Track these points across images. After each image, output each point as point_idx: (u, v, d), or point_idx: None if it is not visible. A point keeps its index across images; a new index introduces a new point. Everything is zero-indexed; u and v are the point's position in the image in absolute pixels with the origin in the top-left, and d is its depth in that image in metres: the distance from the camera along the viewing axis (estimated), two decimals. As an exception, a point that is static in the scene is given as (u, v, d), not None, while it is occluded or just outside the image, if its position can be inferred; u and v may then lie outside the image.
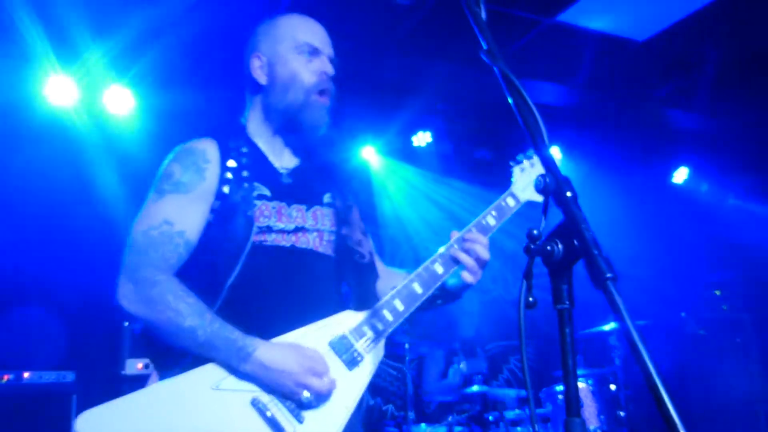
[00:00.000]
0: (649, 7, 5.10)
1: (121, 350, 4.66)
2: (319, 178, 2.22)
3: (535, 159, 2.41)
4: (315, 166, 2.25)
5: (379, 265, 2.34)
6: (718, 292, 7.33)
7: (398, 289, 2.03)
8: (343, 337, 1.95)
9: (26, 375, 4.31)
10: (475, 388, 5.00)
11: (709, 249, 7.16)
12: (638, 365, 0.92)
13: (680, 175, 7.76)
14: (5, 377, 4.25)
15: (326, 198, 2.18)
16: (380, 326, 1.98)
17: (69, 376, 4.42)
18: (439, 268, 2.07)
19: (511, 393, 5.12)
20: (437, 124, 6.62)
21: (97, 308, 4.29)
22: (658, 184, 7.71)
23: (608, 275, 0.97)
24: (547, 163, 1.13)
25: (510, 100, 1.21)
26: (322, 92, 2.10)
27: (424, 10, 4.93)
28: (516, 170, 2.41)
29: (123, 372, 4.61)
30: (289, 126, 2.13)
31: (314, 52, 2.12)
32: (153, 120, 5.35)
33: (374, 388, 6.10)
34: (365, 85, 5.79)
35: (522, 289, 1.13)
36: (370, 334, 1.97)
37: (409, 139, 6.68)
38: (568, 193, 1.07)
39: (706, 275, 7.27)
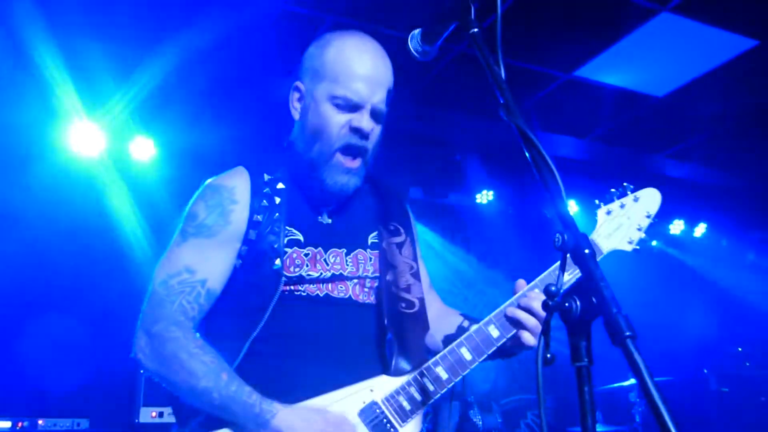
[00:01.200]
0: (666, 64, 5.17)
1: (135, 398, 4.64)
2: (366, 214, 1.98)
3: (629, 201, 1.91)
4: (363, 199, 1.99)
5: (435, 306, 2.07)
6: (740, 349, 7.17)
7: (444, 354, 1.78)
8: (376, 406, 1.73)
9: (41, 422, 4.29)
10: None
11: (730, 304, 7.04)
12: (658, 424, 0.91)
13: (699, 229, 7.73)
14: (20, 424, 4.23)
15: (371, 238, 1.94)
16: (419, 397, 1.75)
17: (83, 424, 4.40)
18: (494, 331, 1.78)
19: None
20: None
21: (112, 355, 4.29)
22: (681, 239, 7.68)
23: (627, 333, 0.96)
24: (564, 219, 1.12)
25: (527, 156, 1.21)
26: (346, 151, 1.80)
27: (442, 65, 5.02)
28: (601, 213, 1.93)
29: (137, 420, 4.58)
30: (314, 181, 1.86)
31: (353, 108, 1.79)
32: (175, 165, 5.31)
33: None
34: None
35: (540, 345, 1.11)
36: (406, 405, 1.74)
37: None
38: (586, 250, 1.06)
39: (729, 331, 7.13)
